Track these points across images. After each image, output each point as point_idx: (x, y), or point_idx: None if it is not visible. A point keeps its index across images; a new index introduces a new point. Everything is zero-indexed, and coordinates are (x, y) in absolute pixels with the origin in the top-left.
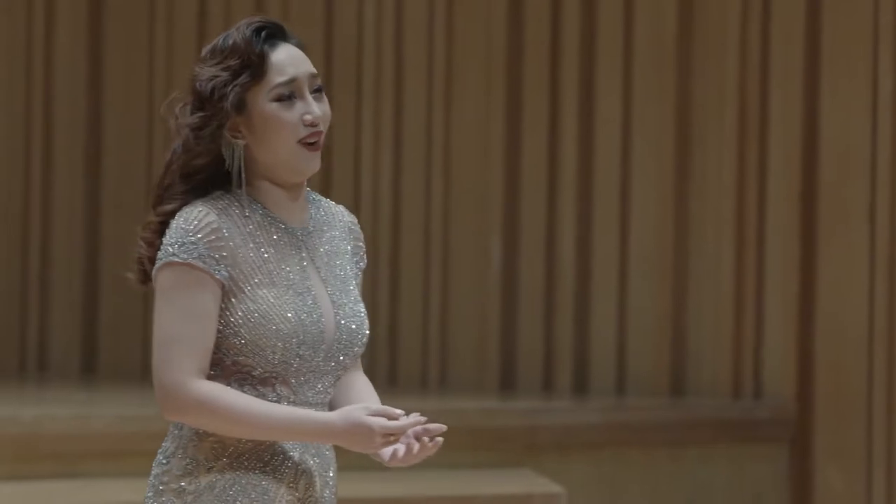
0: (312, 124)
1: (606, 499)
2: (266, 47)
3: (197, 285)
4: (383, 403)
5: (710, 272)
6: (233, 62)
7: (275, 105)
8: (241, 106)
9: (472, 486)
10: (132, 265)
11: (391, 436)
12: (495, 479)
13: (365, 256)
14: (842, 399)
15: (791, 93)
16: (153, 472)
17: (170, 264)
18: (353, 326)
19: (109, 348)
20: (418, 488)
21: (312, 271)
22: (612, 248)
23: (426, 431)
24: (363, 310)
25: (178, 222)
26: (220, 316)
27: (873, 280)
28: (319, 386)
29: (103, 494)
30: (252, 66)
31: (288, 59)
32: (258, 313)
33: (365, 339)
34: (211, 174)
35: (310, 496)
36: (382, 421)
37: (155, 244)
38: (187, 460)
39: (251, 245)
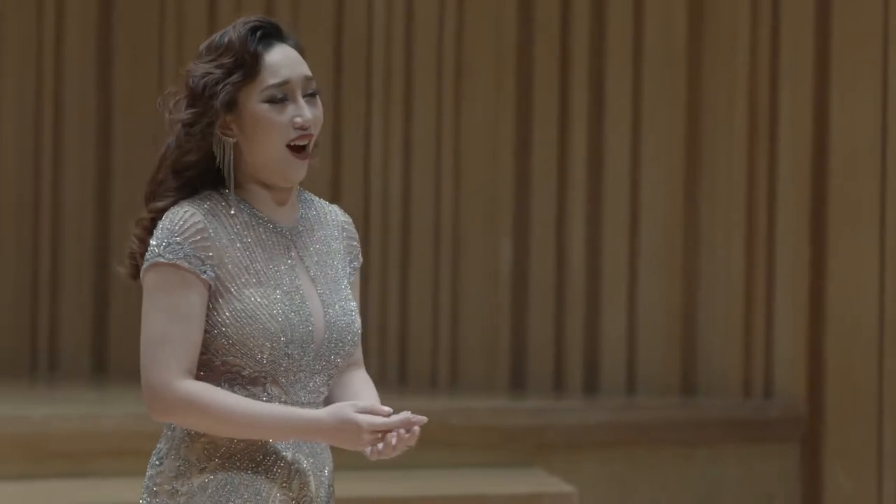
0: (302, 127)
1: (617, 498)
2: (261, 47)
3: (183, 286)
4: (393, 404)
5: (720, 272)
6: (226, 60)
7: (266, 106)
8: (232, 105)
9: (483, 486)
10: (124, 260)
11: (379, 433)
12: (506, 478)
13: (360, 255)
14: (852, 399)
15: (801, 94)
16: (147, 474)
17: (156, 265)
18: (343, 325)
19: (120, 348)
20: (428, 488)
21: (301, 270)
22: (623, 249)
23: (405, 422)
24: (354, 308)
25: (164, 223)
26: (208, 316)
27: (883, 280)
28: (311, 385)
29: (113, 494)
30: (245, 65)
31: (282, 61)
32: (245, 313)
33: (356, 338)
34: (202, 171)
35: (304, 496)
36: (370, 418)
37: (146, 241)
38: (179, 461)
39: (238, 245)
